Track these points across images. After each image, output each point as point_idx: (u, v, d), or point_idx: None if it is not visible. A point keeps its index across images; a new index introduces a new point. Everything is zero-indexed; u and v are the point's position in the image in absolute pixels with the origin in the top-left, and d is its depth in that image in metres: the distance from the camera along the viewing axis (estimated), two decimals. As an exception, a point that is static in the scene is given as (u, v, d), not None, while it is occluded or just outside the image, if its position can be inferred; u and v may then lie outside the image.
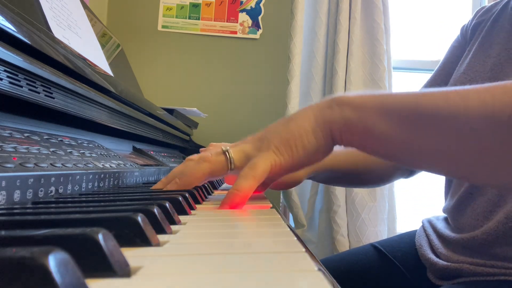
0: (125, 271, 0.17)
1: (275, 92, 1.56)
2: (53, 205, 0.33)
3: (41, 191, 0.35)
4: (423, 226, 0.77)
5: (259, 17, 1.60)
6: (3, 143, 0.34)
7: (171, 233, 0.26)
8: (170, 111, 1.13)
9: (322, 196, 1.53)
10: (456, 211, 0.68)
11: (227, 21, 1.60)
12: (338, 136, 0.42)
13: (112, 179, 0.52)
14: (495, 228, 0.58)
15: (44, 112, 0.44)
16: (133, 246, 0.22)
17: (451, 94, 0.37)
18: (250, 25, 1.60)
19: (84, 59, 0.61)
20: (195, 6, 1.59)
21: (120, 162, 0.58)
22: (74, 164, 0.42)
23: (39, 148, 0.39)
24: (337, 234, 1.44)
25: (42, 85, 0.41)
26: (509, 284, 0.56)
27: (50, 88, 0.43)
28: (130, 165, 0.62)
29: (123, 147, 0.75)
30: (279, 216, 0.37)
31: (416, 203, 1.72)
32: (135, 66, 1.44)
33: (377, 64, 1.49)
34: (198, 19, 1.59)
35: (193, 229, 0.29)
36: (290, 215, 1.52)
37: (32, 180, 0.33)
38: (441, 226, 0.71)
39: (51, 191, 0.37)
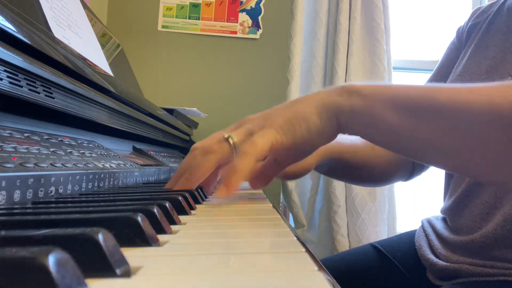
0: (125, 271, 0.17)
1: (275, 92, 1.56)
2: (53, 205, 0.33)
3: (41, 191, 0.35)
4: (422, 226, 0.77)
5: (259, 17, 1.60)
6: (3, 143, 0.34)
7: (171, 233, 0.26)
8: (170, 111, 1.13)
9: (322, 196, 1.53)
10: (453, 212, 0.68)
11: (227, 21, 1.59)
12: (344, 122, 0.42)
13: (112, 179, 0.52)
14: (494, 231, 0.58)
15: (44, 112, 0.44)
16: (133, 246, 0.22)
17: (462, 90, 0.37)
18: (250, 25, 1.60)
19: (84, 59, 0.61)
20: (195, 6, 1.59)
21: (120, 162, 0.58)
22: (74, 164, 0.42)
23: (39, 148, 0.39)
24: (337, 234, 1.45)
25: (42, 85, 0.41)
26: (509, 285, 0.56)
27: (50, 88, 0.43)
28: (130, 165, 0.62)
29: (123, 147, 0.75)
30: (279, 216, 0.36)
31: (416, 203, 1.72)
32: (135, 66, 1.44)
33: (377, 64, 1.49)
34: (198, 19, 1.59)
35: (193, 229, 0.29)
36: (290, 215, 1.52)
37: (32, 180, 0.33)
38: (440, 227, 0.71)
39: (51, 191, 0.37)
